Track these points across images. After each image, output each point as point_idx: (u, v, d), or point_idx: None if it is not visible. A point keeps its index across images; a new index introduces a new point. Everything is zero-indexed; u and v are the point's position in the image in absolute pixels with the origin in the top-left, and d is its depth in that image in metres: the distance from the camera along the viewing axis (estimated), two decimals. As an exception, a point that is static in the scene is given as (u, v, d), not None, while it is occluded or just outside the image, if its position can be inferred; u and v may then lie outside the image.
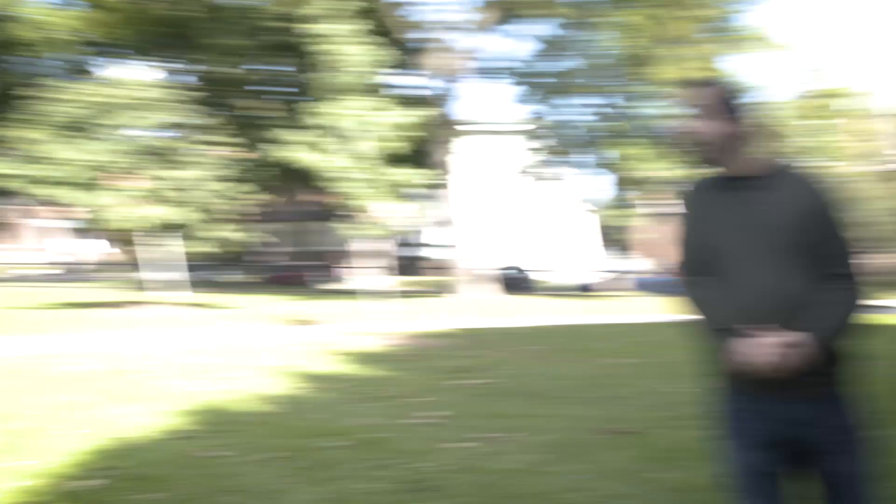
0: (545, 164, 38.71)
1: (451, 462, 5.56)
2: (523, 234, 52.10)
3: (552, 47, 36.80)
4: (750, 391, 2.68)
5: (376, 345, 13.15)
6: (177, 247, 22.34)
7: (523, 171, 39.48)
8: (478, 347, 13.35)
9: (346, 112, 14.10)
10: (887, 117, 76.82)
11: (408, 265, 55.55)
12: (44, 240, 66.95)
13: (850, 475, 2.59)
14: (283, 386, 8.88)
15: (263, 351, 11.83)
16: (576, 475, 5.31)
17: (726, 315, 2.65)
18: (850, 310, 2.56)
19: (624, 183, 36.99)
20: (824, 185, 2.62)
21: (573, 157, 38.28)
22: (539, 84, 36.92)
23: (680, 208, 2.90)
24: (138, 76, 23.99)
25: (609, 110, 36.26)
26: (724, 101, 2.71)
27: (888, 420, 7.27)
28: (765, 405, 2.66)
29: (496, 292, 32.91)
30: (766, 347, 2.52)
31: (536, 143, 38.39)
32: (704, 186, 2.85)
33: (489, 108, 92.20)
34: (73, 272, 53.05)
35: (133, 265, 22.20)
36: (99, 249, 61.26)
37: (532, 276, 40.10)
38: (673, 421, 7.12)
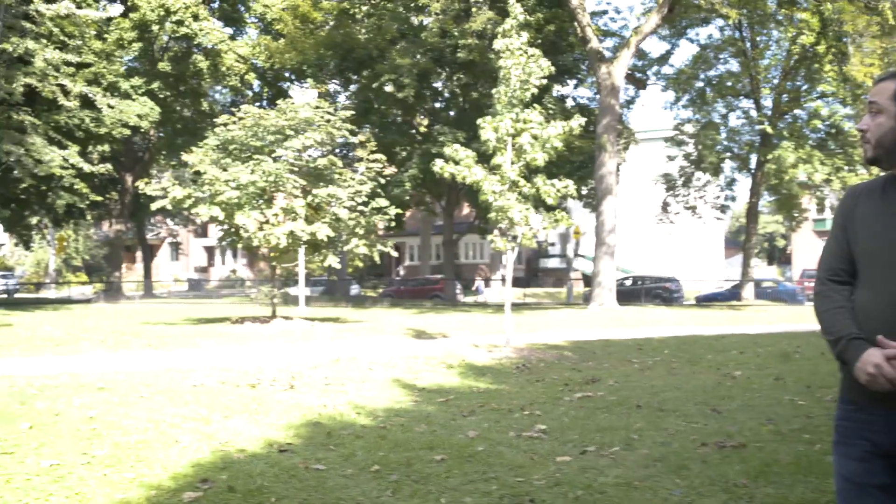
0: (692, 170, 38.39)
1: (552, 476, 5.56)
2: (666, 244, 51.47)
3: (713, 50, 36.58)
4: (864, 401, 2.57)
5: (492, 357, 13.19)
6: (314, 263, 23.12)
7: (668, 179, 39.14)
8: (589, 359, 13.29)
9: (514, 125, 14.30)
10: None
11: (545, 276, 55.66)
12: (195, 258, 70.32)
13: None
14: (394, 399, 9.00)
15: (381, 364, 12.01)
16: (677, 490, 5.26)
17: (858, 324, 2.55)
18: None
19: (777, 189, 36.40)
20: None
21: (723, 163, 37.86)
22: (693, 88, 36.73)
23: (837, 213, 2.78)
24: (308, 98, 25.19)
25: (767, 112, 35.78)
26: (884, 94, 2.60)
27: None
28: (878, 416, 2.55)
29: (632, 303, 32.57)
30: (881, 370, 2.41)
31: (685, 149, 38.12)
32: (867, 189, 2.71)
33: (643, 115, 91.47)
34: (224, 287, 55.17)
35: (275, 281, 22.94)
36: (240, 266, 63.82)
37: (675, 286, 39.54)
38: (777, 435, 6.98)
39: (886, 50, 28.46)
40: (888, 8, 26.54)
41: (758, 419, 7.74)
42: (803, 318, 25.42)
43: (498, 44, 14.74)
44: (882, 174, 2.69)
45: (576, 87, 36.51)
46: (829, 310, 2.65)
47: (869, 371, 2.42)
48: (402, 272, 54.63)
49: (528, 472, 5.63)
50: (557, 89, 33.42)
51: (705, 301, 40.14)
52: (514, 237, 14.65)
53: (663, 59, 36.32)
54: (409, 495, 5.13)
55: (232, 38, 40.37)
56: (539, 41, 25.27)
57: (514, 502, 5.00)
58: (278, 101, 22.57)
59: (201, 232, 67.36)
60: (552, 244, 57.32)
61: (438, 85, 34.24)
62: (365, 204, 21.15)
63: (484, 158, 14.78)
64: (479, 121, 14.55)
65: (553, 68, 15.47)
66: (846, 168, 33.60)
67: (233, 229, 20.34)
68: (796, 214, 38.66)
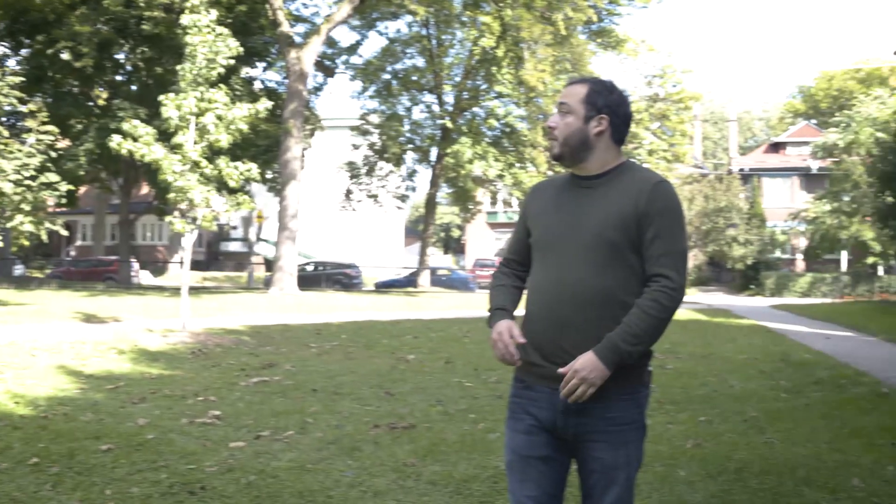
0: (376, 159, 39.05)
1: (225, 462, 5.48)
2: (348, 231, 52.12)
3: (401, 45, 37.23)
4: (531, 380, 2.77)
5: (167, 342, 12.77)
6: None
7: (352, 167, 39.56)
8: (267, 344, 13.27)
9: (198, 104, 13.69)
10: (720, 123, 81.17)
11: (226, 260, 54.56)
12: None
13: (613, 463, 2.68)
14: (59, 386, 8.41)
15: (45, 350, 11.23)
16: (349, 472, 5.37)
17: (529, 301, 2.80)
18: (660, 313, 2.61)
19: (455, 182, 37.83)
20: (658, 186, 2.69)
21: (406, 154, 38.82)
22: (380, 80, 37.25)
23: (521, 206, 3.00)
24: None
25: (449, 108, 37.02)
26: (585, 100, 2.76)
27: (660, 408, 7.73)
28: (538, 393, 2.74)
29: (313, 288, 32.72)
30: (501, 337, 2.71)
31: (369, 139, 38.65)
32: (547, 186, 2.93)
33: (330, 102, 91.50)
34: None
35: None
36: None
37: (355, 272, 40.20)
38: (446, 415, 7.34)
39: (557, 58, 30.64)
40: (561, 20, 28.58)
41: (428, 401, 8.10)
42: (474, 305, 26.84)
43: (185, 19, 14.23)
44: (564, 172, 2.93)
45: (265, 70, 36.09)
46: (493, 287, 2.95)
47: (493, 336, 2.74)
48: (73, 252, 51.34)
49: (201, 459, 5.52)
50: (246, 71, 32.81)
51: (384, 287, 41.26)
52: (194, 219, 14.26)
53: (353, 48, 36.77)
54: (71, 488, 4.85)
55: None
56: (229, 20, 24.70)
57: (185, 490, 4.87)
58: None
59: None
60: (234, 227, 56.39)
61: (120, 57, 32.40)
62: (33, 178, 19.61)
63: (165, 137, 14.23)
64: (162, 97, 13.99)
65: (242, 49, 15.20)
66: (518, 165, 35.78)
67: None
68: (471, 207, 40.58)
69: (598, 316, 2.63)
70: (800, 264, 50.42)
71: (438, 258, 67.97)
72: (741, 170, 52.30)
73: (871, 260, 42.86)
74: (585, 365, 2.56)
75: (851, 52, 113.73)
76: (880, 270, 45.29)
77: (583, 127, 2.74)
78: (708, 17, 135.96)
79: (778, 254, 49.95)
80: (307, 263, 41.42)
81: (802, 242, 49.22)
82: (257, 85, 34.86)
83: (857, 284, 41.43)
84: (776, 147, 56.23)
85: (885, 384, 9.69)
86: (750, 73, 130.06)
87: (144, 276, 42.21)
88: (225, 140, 13.92)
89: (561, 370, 2.61)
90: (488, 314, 2.87)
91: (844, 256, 46.84)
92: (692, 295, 38.16)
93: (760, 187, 50.72)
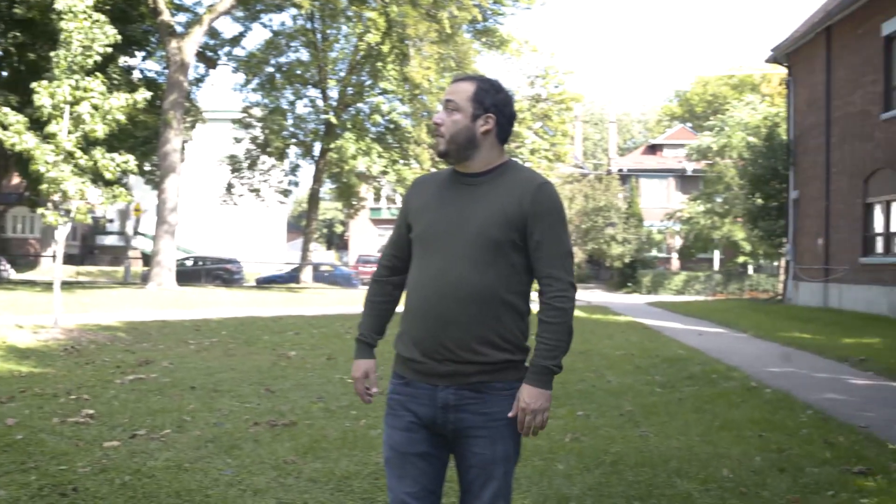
0: (258, 153, 38.44)
1: (99, 462, 5.33)
2: (229, 226, 51.25)
3: (285, 37, 36.63)
4: (410, 376, 2.78)
5: (38, 339, 12.31)
6: None
7: (234, 161, 38.85)
8: (144, 341, 12.96)
9: (73, 92, 13.16)
10: (600, 124, 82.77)
11: (102, 254, 52.91)
12: None
13: (492, 458, 2.70)
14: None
15: None
16: (228, 470, 5.29)
17: (409, 294, 2.83)
18: (564, 318, 2.74)
19: (338, 177, 37.56)
20: (543, 188, 2.73)
21: (289, 149, 38.31)
22: (264, 73, 36.61)
23: (402, 202, 2.98)
24: None
25: (333, 103, 36.66)
26: (473, 98, 2.78)
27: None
28: (418, 389, 2.75)
29: (192, 284, 32.06)
30: (356, 385, 3.00)
31: (252, 133, 38.01)
32: (429, 181, 2.93)
33: (212, 94, 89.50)
34: None
35: None
36: None
37: (236, 267, 39.54)
38: (327, 412, 7.31)
39: (442, 56, 30.76)
40: (446, 18, 28.72)
41: (309, 397, 8.05)
42: (357, 301, 26.68)
43: (60, 4, 13.73)
44: (446, 168, 2.94)
45: (144, 59, 35.06)
46: (366, 301, 3.04)
47: (353, 375, 3.05)
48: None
49: (73, 460, 5.35)
50: (124, 60, 31.85)
51: (265, 283, 40.76)
52: (68, 211, 13.80)
53: (236, 40, 36.10)
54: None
55: None
56: (107, 7, 23.90)
57: (56, 492, 4.71)
58: None
59: None
60: (110, 220, 54.80)
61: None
62: None
63: (38, 125, 13.71)
64: (35, 85, 13.47)
65: (120, 37, 14.76)
66: (402, 161, 35.82)
67: None
68: (354, 202, 40.44)
69: (480, 313, 2.66)
70: (675, 263, 52.06)
71: (321, 254, 67.52)
72: (620, 170, 53.67)
73: (741, 259, 44.61)
74: (530, 400, 2.66)
75: (725, 59, 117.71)
76: (750, 269, 47.15)
77: (470, 125, 2.76)
78: (589, 21, 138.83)
79: (654, 252, 51.48)
80: (186, 258, 40.59)
81: (677, 242, 50.83)
82: (136, 74, 33.91)
83: (728, 283, 43.00)
84: (653, 149, 57.89)
85: (753, 379, 10.07)
86: (629, 76, 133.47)
87: (13, 270, 40.63)
88: (101, 130, 13.51)
89: (510, 414, 2.69)
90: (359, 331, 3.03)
91: (717, 256, 48.60)
92: (572, 292, 38.79)
93: (638, 188, 52.13)
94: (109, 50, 14.37)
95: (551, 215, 2.72)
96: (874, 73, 21.42)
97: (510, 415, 2.68)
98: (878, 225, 21.67)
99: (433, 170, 3.01)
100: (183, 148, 30.55)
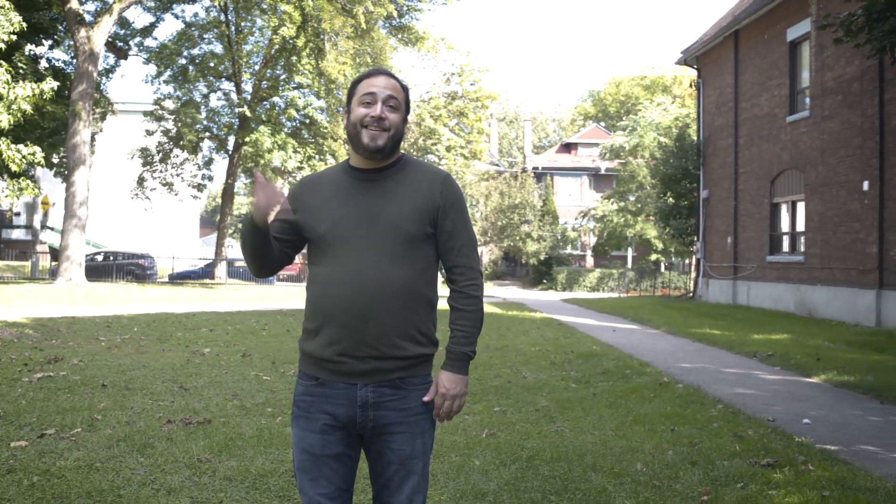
0: (171, 146, 37.77)
1: (6, 463, 5.20)
2: (141, 220, 50.13)
3: (198, 29, 35.99)
4: (325, 376, 2.74)
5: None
6: None
7: (146, 154, 38.08)
8: (53, 338, 12.64)
9: None
10: (515, 122, 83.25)
11: (8, 248, 51.30)
12: None
13: (411, 452, 2.72)
14: None
15: None
16: (141, 469, 5.20)
17: (322, 293, 2.72)
18: (477, 305, 2.76)
19: (253, 171, 37.10)
20: (449, 180, 2.78)
21: (202, 142, 37.71)
22: (176, 64, 35.93)
23: (290, 200, 2.87)
24: None
25: (247, 96, 36.18)
26: (405, 98, 2.82)
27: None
28: (335, 389, 2.72)
29: (103, 279, 31.33)
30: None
31: (164, 125, 37.33)
32: (319, 179, 2.91)
33: (123, 85, 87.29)
34: None
35: None
36: None
37: (148, 263, 38.74)
38: (242, 410, 7.23)
39: (358, 51, 30.65)
40: (362, 13, 28.62)
41: (224, 395, 7.95)
42: (273, 298, 26.52)
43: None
44: (332, 166, 2.94)
45: (51, 48, 34.12)
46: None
47: (257, 193, 2.70)
48: None
49: (-21, 460, 5.20)
50: (30, 48, 30.96)
51: (179, 279, 40.08)
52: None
53: (147, 31, 35.36)
54: None
55: None
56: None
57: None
58: None
59: None
60: (17, 214, 53.15)
61: None
62: None
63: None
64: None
65: (25, 25, 14.37)
66: (317, 157, 35.60)
67: None
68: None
69: (401, 307, 2.66)
70: (589, 260, 52.81)
71: (236, 249, 66.65)
72: (535, 168, 54.20)
73: (653, 257, 45.51)
74: (450, 385, 2.72)
75: (638, 60, 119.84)
76: (662, 267, 48.10)
77: (402, 124, 2.81)
78: (505, 20, 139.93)
79: (569, 250, 52.14)
80: (97, 253, 39.66)
81: (592, 239, 51.55)
82: (43, 64, 32.97)
83: (641, 280, 43.78)
84: (568, 147, 58.63)
85: (665, 374, 10.29)
86: (544, 75, 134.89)
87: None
88: (6, 120, 13.17)
89: (426, 398, 2.72)
90: (245, 221, 2.77)
91: (630, 253, 49.48)
92: (488, 289, 39.17)
93: (553, 185, 52.75)
94: (14, 38, 13.98)
95: (459, 206, 2.78)
96: (780, 77, 22.07)
97: (425, 399, 2.71)
98: (785, 224, 22.35)
99: (335, 164, 2.98)
100: (93, 140, 29.85)
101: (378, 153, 2.76)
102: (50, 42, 32.94)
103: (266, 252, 2.77)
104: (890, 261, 17.13)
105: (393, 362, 2.67)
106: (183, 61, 36.28)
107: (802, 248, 21.08)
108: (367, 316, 2.65)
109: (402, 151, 2.87)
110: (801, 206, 21.26)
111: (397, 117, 2.77)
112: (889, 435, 7.01)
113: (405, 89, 2.84)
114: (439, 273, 2.85)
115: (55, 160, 31.23)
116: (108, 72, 34.97)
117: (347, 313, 2.66)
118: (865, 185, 17.91)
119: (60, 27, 31.32)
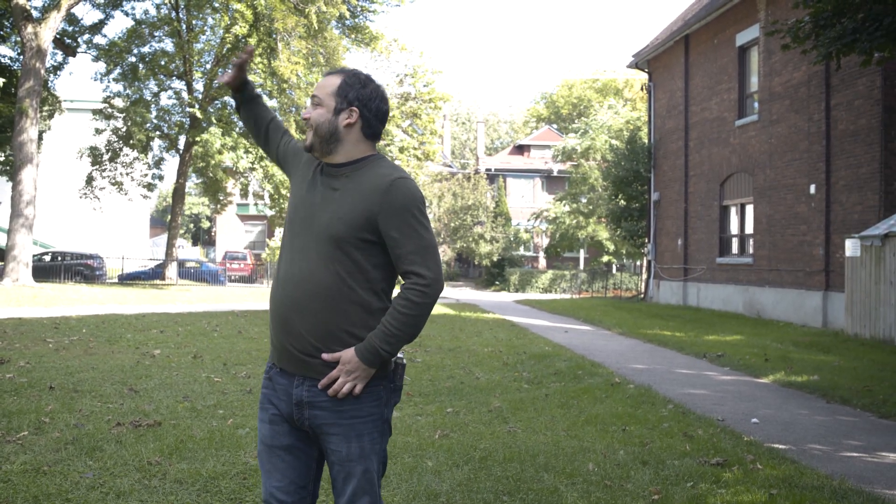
0: (120, 145, 37.28)
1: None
2: (90, 220, 49.38)
3: (148, 27, 35.54)
4: (273, 372, 2.82)
5: None
6: None
7: (95, 153, 37.53)
8: (9, 339, 12.44)
9: None
10: (468, 124, 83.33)
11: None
12: None
13: (348, 455, 2.70)
14: None
15: None
16: (89, 472, 5.14)
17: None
18: (413, 311, 2.66)
19: (204, 172, 36.79)
20: (395, 183, 2.70)
21: (152, 141, 37.27)
22: (126, 62, 35.45)
23: (297, 152, 3.07)
24: None
25: (198, 96, 35.80)
26: (336, 92, 2.78)
27: (409, 401, 7.89)
28: (277, 384, 2.78)
29: (50, 280, 30.84)
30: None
31: (113, 124, 36.84)
32: (314, 161, 2.92)
33: (71, 83, 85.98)
34: None
35: None
36: None
37: (97, 263, 38.18)
38: (193, 412, 7.16)
39: (311, 51, 30.52)
40: (314, 13, 28.50)
41: (175, 397, 7.88)
42: (224, 299, 26.30)
43: None
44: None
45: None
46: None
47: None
48: None
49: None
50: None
51: (128, 279, 39.57)
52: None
53: (96, 27, 34.82)
54: None
55: None
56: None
57: None
58: None
59: None
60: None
61: None
62: None
63: None
64: None
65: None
66: (269, 157, 35.37)
67: None
68: (221, 198, 39.74)
69: (325, 308, 2.66)
70: (542, 261, 53.09)
71: (187, 250, 66.06)
72: (488, 170, 54.38)
73: (605, 258, 45.84)
74: (349, 364, 2.65)
75: (590, 63, 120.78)
76: (614, 268, 48.48)
77: (332, 119, 2.77)
78: (458, 22, 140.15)
79: (522, 251, 52.37)
80: (45, 253, 39.01)
81: (544, 241, 51.83)
82: (-12, 60, 32.39)
83: (593, 281, 44.06)
84: (520, 149, 58.89)
85: (617, 374, 10.39)
86: (496, 77, 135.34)
87: None
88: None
89: (326, 356, 2.66)
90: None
91: (582, 255, 49.80)
92: (441, 290, 39.06)
93: (505, 187, 52.96)
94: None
95: (405, 212, 2.68)
96: (729, 82, 22.38)
97: (322, 382, 2.68)
98: (734, 227, 22.68)
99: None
100: (40, 138, 29.39)
101: (308, 151, 2.85)
102: (-5, 38, 32.39)
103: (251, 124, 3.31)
104: (836, 263, 17.45)
105: (318, 360, 2.68)
106: (133, 59, 35.80)
107: (751, 250, 21.41)
108: (293, 311, 2.71)
109: (375, 152, 2.86)
110: (749, 209, 21.59)
111: (319, 112, 2.79)
112: (835, 434, 7.15)
113: (344, 80, 2.82)
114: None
115: (1, 158, 30.68)
116: (57, 69, 34.42)
117: (278, 313, 2.76)
118: (812, 189, 18.24)
119: (7, 23, 30.81)
